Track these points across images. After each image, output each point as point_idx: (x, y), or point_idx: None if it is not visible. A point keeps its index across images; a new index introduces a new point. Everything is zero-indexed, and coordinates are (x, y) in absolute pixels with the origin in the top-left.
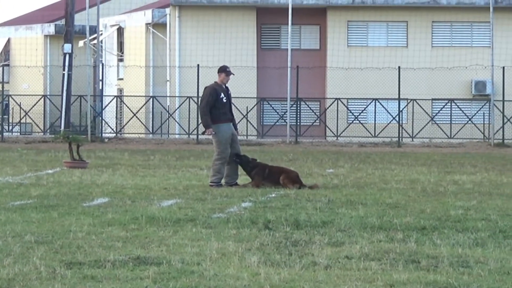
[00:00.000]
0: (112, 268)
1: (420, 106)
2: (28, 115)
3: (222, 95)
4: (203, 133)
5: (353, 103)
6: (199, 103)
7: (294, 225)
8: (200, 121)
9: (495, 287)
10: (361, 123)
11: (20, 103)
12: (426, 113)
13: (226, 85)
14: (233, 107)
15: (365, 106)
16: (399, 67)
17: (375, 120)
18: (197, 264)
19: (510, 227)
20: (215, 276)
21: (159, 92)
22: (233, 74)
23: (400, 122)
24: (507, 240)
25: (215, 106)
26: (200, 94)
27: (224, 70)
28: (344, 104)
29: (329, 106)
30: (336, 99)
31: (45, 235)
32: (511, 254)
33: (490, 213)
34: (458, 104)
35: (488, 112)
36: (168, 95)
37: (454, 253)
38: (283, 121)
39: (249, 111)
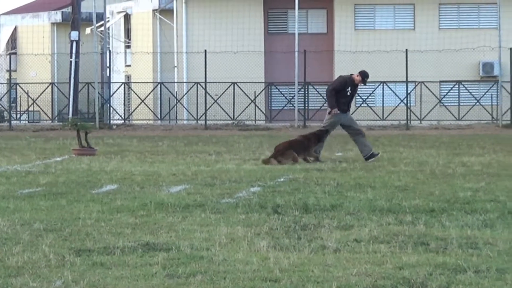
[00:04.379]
0: (121, 254)
1: (428, 88)
2: (36, 103)
3: (349, 89)
4: (329, 113)
5: (360, 86)
6: (328, 86)
7: (303, 209)
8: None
9: (504, 268)
10: (369, 106)
11: (27, 91)
12: (434, 95)
13: (357, 84)
14: (242, 92)
15: (373, 89)
16: (406, 50)
17: (383, 103)
18: (206, 250)
19: None
20: (224, 261)
21: (166, 78)
22: (365, 85)
23: (408, 104)
24: None
25: (339, 94)
26: (208, 80)
27: (364, 77)
28: None
29: None
30: None
31: (54, 223)
32: None
33: (498, 194)
34: (466, 86)
35: (496, 93)
36: (175, 81)
37: (463, 234)
38: (291, 105)
39: (257, 95)
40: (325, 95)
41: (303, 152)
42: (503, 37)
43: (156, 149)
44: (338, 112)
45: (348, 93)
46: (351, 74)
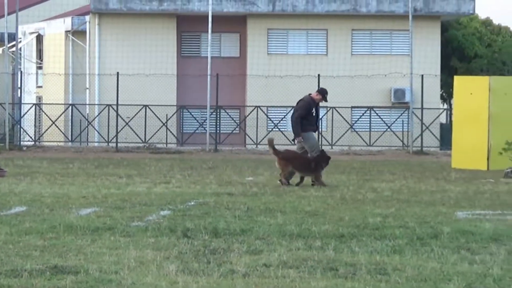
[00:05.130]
0: (29, 277)
1: (339, 114)
2: None
3: (313, 110)
4: (293, 140)
5: (272, 111)
6: (293, 112)
7: (212, 233)
8: (120, 129)
9: None
10: (281, 131)
11: None
12: (346, 121)
13: (318, 102)
14: (154, 115)
15: (285, 114)
16: (318, 75)
17: None
18: (115, 273)
19: (427, 234)
20: (133, 284)
21: (78, 100)
22: (326, 102)
23: (320, 129)
24: (424, 247)
25: (306, 117)
26: (120, 102)
27: (323, 94)
28: (264, 112)
29: (249, 114)
30: (256, 107)
31: None
32: (428, 261)
33: (408, 220)
34: (377, 112)
35: (407, 119)
36: (87, 103)
37: (372, 260)
38: (203, 129)
39: (169, 119)
40: (230, 119)
41: (307, 172)
42: (414, 64)
43: (66, 171)
44: (302, 140)
45: (314, 114)
46: (309, 94)
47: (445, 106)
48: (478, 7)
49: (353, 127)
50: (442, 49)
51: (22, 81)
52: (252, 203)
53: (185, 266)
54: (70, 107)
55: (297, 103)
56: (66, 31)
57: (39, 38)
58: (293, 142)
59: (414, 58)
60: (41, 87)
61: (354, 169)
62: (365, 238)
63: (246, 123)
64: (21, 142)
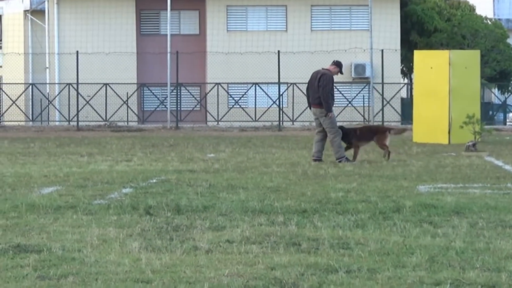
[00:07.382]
0: None
1: (300, 89)
2: None
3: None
4: (326, 116)
5: (233, 88)
6: (321, 88)
7: (175, 210)
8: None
9: (375, 268)
10: (242, 108)
11: None
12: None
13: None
14: (115, 93)
15: (246, 91)
16: (278, 51)
17: (255, 104)
18: (78, 251)
19: (389, 208)
20: (96, 262)
21: (38, 79)
22: (342, 74)
23: (281, 106)
24: (387, 221)
25: (330, 93)
26: (80, 81)
27: (341, 67)
28: (224, 89)
29: (210, 91)
30: (216, 84)
31: None
32: (391, 235)
33: (370, 195)
34: (337, 87)
35: (367, 94)
36: (47, 82)
37: (334, 235)
38: (164, 106)
39: (130, 96)
40: (191, 96)
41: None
42: (374, 38)
43: (27, 151)
44: (334, 116)
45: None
46: (324, 69)
47: (406, 80)
48: None
49: None
50: (402, 23)
51: None
52: (214, 179)
53: (148, 243)
54: (31, 86)
55: (319, 79)
56: (25, 11)
57: None
58: (328, 119)
59: (374, 33)
60: (0, 67)
61: None
62: (327, 213)
63: (207, 100)
64: None
